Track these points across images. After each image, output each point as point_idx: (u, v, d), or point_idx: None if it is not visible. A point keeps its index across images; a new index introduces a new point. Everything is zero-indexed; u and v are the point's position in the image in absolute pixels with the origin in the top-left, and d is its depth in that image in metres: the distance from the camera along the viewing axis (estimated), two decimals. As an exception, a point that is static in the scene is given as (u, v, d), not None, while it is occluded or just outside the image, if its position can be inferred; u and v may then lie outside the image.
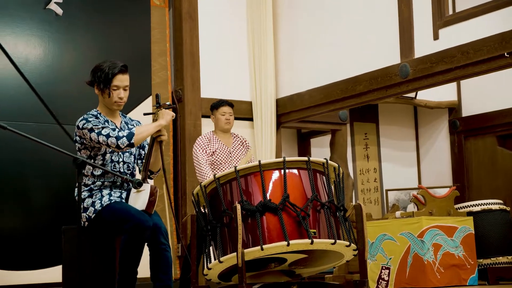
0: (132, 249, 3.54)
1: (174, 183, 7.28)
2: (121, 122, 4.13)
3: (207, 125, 7.20)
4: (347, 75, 7.04)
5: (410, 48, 6.46)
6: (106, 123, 3.99)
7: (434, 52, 6.27)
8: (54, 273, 6.16)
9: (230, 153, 5.93)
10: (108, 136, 3.77)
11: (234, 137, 6.10)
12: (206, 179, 5.71)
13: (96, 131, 3.80)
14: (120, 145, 3.77)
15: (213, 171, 5.92)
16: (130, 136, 3.77)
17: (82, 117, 3.97)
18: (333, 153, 8.89)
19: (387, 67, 6.64)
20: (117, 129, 3.86)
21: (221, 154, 5.90)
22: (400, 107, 9.77)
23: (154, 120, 4.09)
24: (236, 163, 5.94)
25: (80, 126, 3.90)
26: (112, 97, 3.97)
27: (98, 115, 4.02)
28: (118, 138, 3.78)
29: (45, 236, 6.35)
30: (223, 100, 6.11)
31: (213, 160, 5.89)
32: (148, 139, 4.17)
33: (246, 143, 6.15)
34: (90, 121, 3.88)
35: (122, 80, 4.02)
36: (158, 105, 4.16)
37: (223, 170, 5.84)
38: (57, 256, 6.13)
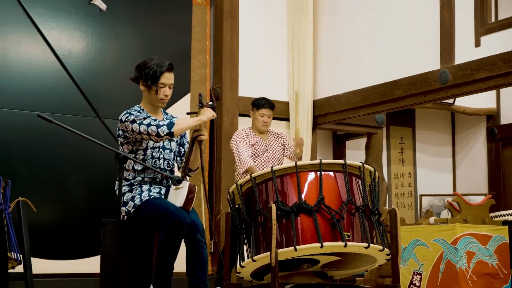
0: (169, 245, 3.60)
1: (209, 180, 7.34)
2: (163, 119, 4.19)
3: (244, 124, 7.25)
4: (385, 79, 7.03)
5: (450, 54, 6.43)
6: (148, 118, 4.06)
7: (475, 59, 6.23)
8: (91, 264, 6.28)
9: (266, 146, 6.00)
10: (149, 125, 3.84)
11: (269, 132, 6.18)
12: (245, 166, 5.76)
13: (137, 121, 3.87)
14: (160, 133, 3.83)
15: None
16: (170, 125, 3.83)
17: (125, 111, 4.05)
18: (368, 156, 8.87)
19: (426, 73, 6.62)
20: (158, 120, 3.93)
21: (258, 146, 5.98)
22: (438, 112, 9.71)
23: None
24: (273, 155, 5.98)
25: (123, 119, 3.98)
26: (159, 94, 4.05)
27: (141, 111, 4.09)
28: (158, 126, 3.84)
29: (82, 227, 6.46)
30: (265, 100, 6.10)
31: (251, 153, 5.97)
32: (188, 137, 4.23)
33: (281, 135, 6.22)
34: (132, 114, 3.96)
35: (169, 78, 4.10)
36: (200, 105, 4.21)
37: (260, 162, 5.90)
38: (93, 247, 6.28)
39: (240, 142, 5.95)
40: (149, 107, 4.14)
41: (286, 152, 6.16)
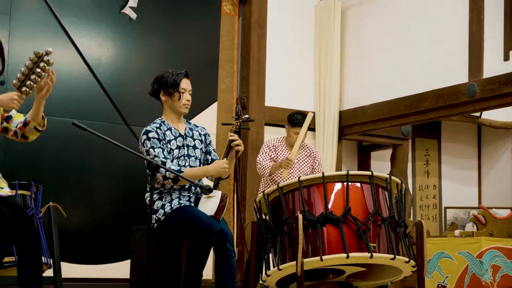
0: (198, 253, 3.63)
1: (235, 189, 7.38)
2: (185, 128, 4.24)
3: (270, 133, 7.29)
4: (412, 91, 7.02)
5: (479, 67, 6.41)
6: (168, 131, 4.11)
7: (503, 73, 6.21)
8: (120, 269, 6.34)
9: (294, 163, 5.92)
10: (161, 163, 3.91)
11: (303, 147, 6.05)
12: (267, 171, 5.76)
13: (150, 156, 3.94)
14: (167, 175, 3.88)
15: (273, 177, 5.93)
16: (175, 180, 3.86)
17: (144, 130, 4.10)
18: (393, 168, 8.86)
19: (454, 86, 6.60)
20: (169, 160, 3.96)
21: None
22: (464, 125, 9.68)
23: (232, 130, 4.20)
24: (299, 172, 5.95)
25: (142, 141, 4.05)
26: (182, 99, 4.11)
27: (162, 124, 4.13)
28: (164, 178, 3.89)
29: (111, 233, 6.53)
30: (301, 117, 5.93)
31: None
32: (213, 147, 4.28)
33: (313, 154, 6.07)
34: (149, 139, 4.00)
35: (187, 84, 4.20)
36: (237, 117, 4.27)
37: (284, 177, 5.89)
38: (122, 252, 6.34)
39: (262, 155, 5.93)
40: (171, 117, 4.19)
41: (314, 172, 6.00)
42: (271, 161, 5.91)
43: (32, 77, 3.07)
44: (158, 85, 4.20)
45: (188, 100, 4.17)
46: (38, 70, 3.06)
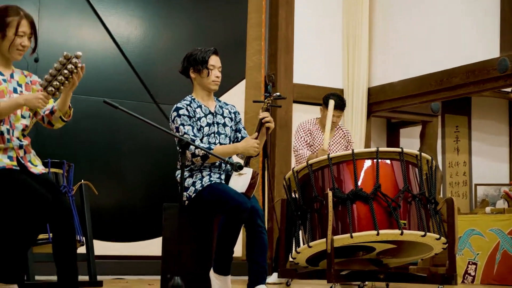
0: (229, 230, 3.65)
1: (264, 166, 7.39)
2: (216, 106, 4.25)
3: (298, 111, 7.28)
4: (442, 67, 6.95)
5: (510, 42, 6.32)
6: (198, 109, 4.12)
7: (536, 47, 6.13)
8: (151, 246, 6.42)
9: (329, 145, 5.87)
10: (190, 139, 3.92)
11: (338, 129, 5.98)
12: (303, 160, 5.73)
13: (179, 133, 3.96)
14: (196, 152, 3.90)
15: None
16: (205, 157, 3.88)
17: (175, 107, 4.11)
18: (422, 145, 8.81)
19: (485, 61, 6.52)
20: (198, 139, 3.96)
21: (320, 144, 5.85)
22: (494, 101, 9.57)
23: (263, 108, 4.21)
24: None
25: (172, 118, 4.06)
26: (211, 75, 4.13)
27: (192, 102, 4.15)
28: (193, 156, 3.91)
29: (142, 210, 6.60)
30: (339, 102, 5.82)
31: (310, 150, 5.88)
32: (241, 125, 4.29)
33: (347, 136, 6.00)
34: (180, 116, 4.01)
35: (216, 60, 4.20)
36: (268, 94, 4.27)
37: None
38: (153, 229, 6.41)
39: (299, 140, 5.86)
40: (201, 94, 4.21)
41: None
42: (307, 147, 5.86)
43: (59, 78, 3.11)
44: (188, 62, 4.21)
45: (217, 77, 4.18)
46: (66, 71, 3.10)
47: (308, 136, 5.89)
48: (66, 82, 3.14)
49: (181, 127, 3.97)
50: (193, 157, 3.87)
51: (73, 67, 3.11)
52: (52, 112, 3.36)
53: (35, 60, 6.01)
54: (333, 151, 5.92)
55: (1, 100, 3.26)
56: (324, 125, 5.82)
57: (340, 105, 5.83)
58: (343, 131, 6.03)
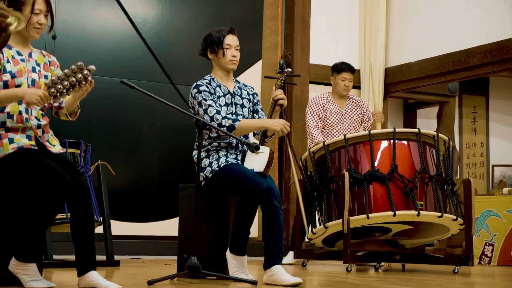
0: (246, 210, 3.66)
1: (279, 147, 7.39)
2: (235, 86, 4.24)
3: (315, 91, 7.25)
4: (460, 47, 6.89)
5: (528, 22, 6.26)
6: (218, 88, 4.12)
7: (554, 26, 6.06)
8: (167, 226, 6.46)
9: (342, 115, 5.94)
10: (212, 118, 3.91)
11: (349, 98, 6.07)
12: (315, 143, 5.75)
13: (203, 107, 3.96)
14: (223, 123, 3.90)
15: (325, 132, 5.93)
16: (231, 128, 3.88)
17: (195, 84, 4.12)
18: (439, 125, 8.77)
19: (503, 40, 6.46)
20: (221, 115, 3.96)
21: (334, 116, 5.91)
22: (513, 81, 9.49)
23: (277, 85, 4.18)
24: (349, 125, 5.91)
25: (192, 94, 4.07)
26: (227, 55, 4.13)
27: (211, 81, 4.16)
28: (224, 117, 3.92)
29: (158, 191, 6.63)
30: (345, 64, 6.02)
31: (325, 123, 5.92)
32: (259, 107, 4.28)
33: (361, 103, 6.08)
34: (201, 92, 4.02)
35: (233, 40, 4.19)
36: (280, 70, 4.25)
37: (335, 132, 5.87)
38: (169, 210, 6.45)
39: (310, 117, 5.91)
40: (220, 74, 4.21)
41: (364, 124, 6.03)
42: (320, 122, 5.90)
43: (65, 83, 3.11)
44: (205, 44, 4.23)
45: (234, 56, 4.17)
46: (73, 79, 3.10)
47: (320, 110, 5.93)
48: (71, 89, 3.14)
49: (203, 101, 3.99)
50: (220, 127, 3.87)
51: (82, 77, 3.11)
52: (60, 107, 3.39)
53: (52, 37, 6.06)
54: (348, 120, 5.94)
55: (19, 79, 3.27)
56: (338, 93, 5.94)
57: (350, 68, 6.03)
58: (356, 100, 6.08)
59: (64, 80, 3.12)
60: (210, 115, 3.96)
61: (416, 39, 7.51)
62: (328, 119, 5.91)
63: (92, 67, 3.13)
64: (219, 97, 4.11)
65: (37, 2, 3.31)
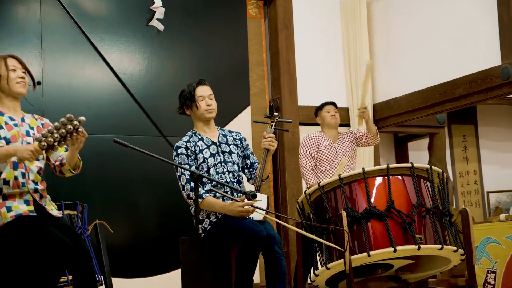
0: (247, 259, 3.66)
1: (274, 190, 7.40)
2: (219, 135, 4.27)
3: (305, 132, 7.27)
4: (446, 78, 6.97)
5: (511, 49, 6.34)
6: (200, 141, 4.14)
7: (536, 53, 6.14)
8: (169, 279, 6.41)
9: (336, 149, 6.01)
10: (183, 187, 3.96)
11: (341, 134, 6.20)
12: (309, 184, 5.79)
13: (178, 173, 4.01)
14: (187, 196, 3.94)
15: (319, 168, 5.96)
16: (200, 196, 3.92)
17: (175, 145, 4.16)
18: (431, 157, 8.81)
19: (487, 69, 6.54)
20: (189, 186, 3.98)
21: (327, 150, 5.99)
22: (500, 108, 9.58)
23: (268, 130, 4.21)
24: (342, 157, 5.98)
25: (173, 157, 4.12)
26: (200, 107, 4.17)
27: (193, 136, 4.19)
28: (188, 197, 3.96)
29: (157, 245, 6.59)
30: (325, 101, 6.24)
31: (319, 157, 5.98)
32: (251, 146, 4.30)
33: (352, 131, 6.21)
34: (178, 155, 4.06)
35: (204, 90, 4.25)
36: (269, 115, 4.29)
37: (331, 167, 5.91)
38: (169, 263, 6.40)
39: (304, 156, 5.98)
40: (201, 126, 4.25)
41: (360, 140, 6.22)
42: (313, 160, 5.96)
43: (55, 135, 3.12)
44: (180, 102, 4.31)
45: (209, 105, 4.21)
46: (63, 131, 3.12)
47: (313, 149, 6.00)
48: (62, 141, 3.15)
49: (179, 166, 4.03)
50: (187, 199, 3.90)
51: (72, 128, 3.13)
52: (61, 164, 3.40)
53: (38, 83, 6.08)
54: (342, 153, 5.99)
55: (14, 144, 3.29)
56: (327, 125, 6.01)
57: (331, 102, 6.31)
58: (345, 133, 6.21)
59: (54, 133, 3.13)
60: (182, 183, 3.99)
61: (401, 74, 7.59)
62: (322, 153, 5.99)
63: (82, 118, 3.15)
64: (202, 150, 4.13)
65: (8, 59, 3.36)
